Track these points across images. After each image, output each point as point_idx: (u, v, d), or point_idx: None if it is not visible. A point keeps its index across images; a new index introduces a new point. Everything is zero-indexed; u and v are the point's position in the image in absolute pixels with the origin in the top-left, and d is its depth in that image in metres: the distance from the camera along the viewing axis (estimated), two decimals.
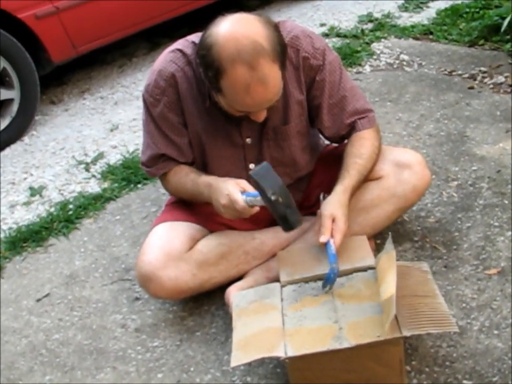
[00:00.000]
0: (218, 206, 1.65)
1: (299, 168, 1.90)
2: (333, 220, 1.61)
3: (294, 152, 1.86)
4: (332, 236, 1.59)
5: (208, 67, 1.55)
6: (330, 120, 1.81)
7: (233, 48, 1.50)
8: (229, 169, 1.84)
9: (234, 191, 1.60)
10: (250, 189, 1.60)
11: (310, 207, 1.96)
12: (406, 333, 1.36)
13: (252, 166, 1.85)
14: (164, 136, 1.80)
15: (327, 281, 1.53)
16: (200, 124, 1.78)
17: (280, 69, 1.56)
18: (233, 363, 1.41)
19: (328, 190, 1.89)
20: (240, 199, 1.58)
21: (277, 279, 1.69)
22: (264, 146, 1.83)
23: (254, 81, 1.51)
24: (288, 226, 1.51)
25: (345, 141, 1.87)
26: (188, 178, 1.80)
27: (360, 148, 1.77)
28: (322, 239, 1.59)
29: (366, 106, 1.84)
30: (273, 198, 1.45)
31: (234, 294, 1.61)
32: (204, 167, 1.86)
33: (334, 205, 1.63)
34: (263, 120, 1.68)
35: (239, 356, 1.41)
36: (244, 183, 1.64)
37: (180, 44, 1.78)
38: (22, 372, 1.80)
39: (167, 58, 1.76)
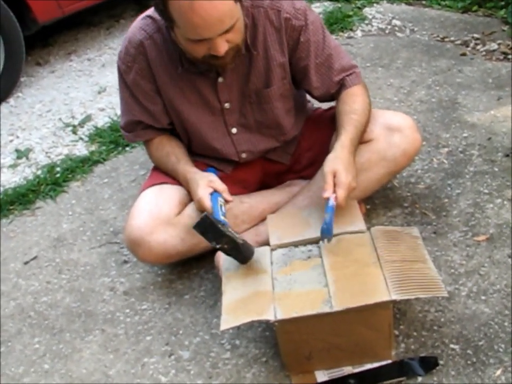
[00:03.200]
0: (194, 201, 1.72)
1: (284, 131, 1.88)
2: (335, 175, 1.59)
3: (278, 115, 1.83)
4: (334, 191, 1.57)
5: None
6: (318, 80, 1.79)
7: None
8: (211, 135, 1.83)
9: (204, 197, 1.65)
10: (221, 187, 1.69)
11: (300, 171, 1.95)
12: (396, 297, 1.36)
13: (234, 130, 1.83)
14: (138, 103, 1.80)
15: (321, 233, 1.53)
16: (175, 92, 1.76)
17: None
18: (223, 326, 1.41)
19: (319, 154, 1.89)
20: (209, 207, 1.64)
21: (266, 243, 1.68)
22: (248, 110, 1.81)
23: None
24: (241, 261, 1.55)
25: (335, 102, 1.85)
26: (169, 160, 1.82)
27: (353, 104, 1.74)
28: (325, 194, 1.56)
29: (351, 63, 1.83)
30: (218, 246, 1.51)
31: (224, 258, 1.60)
32: (186, 133, 1.85)
33: (334, 161, 1.60)
34: (229, 61, 1.62)
35: (229, 320, 1.41)
36: (215, 183, 1.70)
37: (152, 10, 1.75)
38: (10, 333, 1.80)
39: (137, 25, 1.75)
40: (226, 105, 1.79)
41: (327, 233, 1.53)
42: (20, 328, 1.81)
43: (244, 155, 1.87)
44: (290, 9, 1.71)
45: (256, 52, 1.72)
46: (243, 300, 1.44)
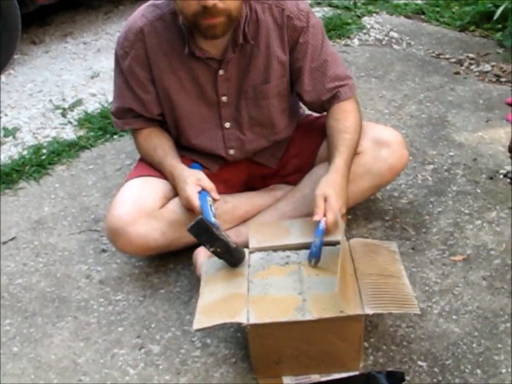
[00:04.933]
0: (179, 198, 1.73)
1: (277, 130, 1.89)
2: (325, 199, 1.61)
3: (273, 112, 1.84)
4: (324, 214, 1.60)
5: None
6: (311, 84, 1.80)
7: None
8: (202, 127, 1.83)
9: (192, 196, 1.66)
10: (209, 185, 1.69)
11: (285, 176, 1.96)
12: (368, 311, 1.38)
13: (227, 125, 1.84)
14: (130, 90, 1.81)
15: (310, 254, 1.55)
16: (172, 80, 1.77)
17: None
18: (195, 326, 1.42)
19: (305, 161, 1.91)
20: (197, 206, 1.65)
21: (246, 245, 1.69)
22: (243, 105, 1.81)
23: None
24: (232, 264, 1.57)
25: (325, 113, 1.86)
26: (156, 153, 1.82)
27: (345, 121, 1.76)
28: (316, 217, 1.60)
29: (346, 73, 1.85)
30: (211, 250, 1.53)
31: (204, 261, 1.61)
32: (176, 124, 1.85)
33: (326, 185, 1.64)
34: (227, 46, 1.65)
35: (202, 320, 1.42)
36: (203, 181, 1.70)
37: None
38: None
39: (139, 12, 1.77)
40: (224, 98, 1.79)
41: (315, 255, 1.55)
42: None
43: (231, 151, 1.87)
44: (294, 9, 1.74)
45: (256, 46, 1.73)
46: (218, 302, 1.45)
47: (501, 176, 2.14)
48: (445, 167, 2.22)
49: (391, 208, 2.04)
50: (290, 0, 1.75)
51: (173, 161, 1.77)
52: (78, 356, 1.63)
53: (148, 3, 1.78)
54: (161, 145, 1.83)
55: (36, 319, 1.75)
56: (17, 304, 1.81)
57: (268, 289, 1.49)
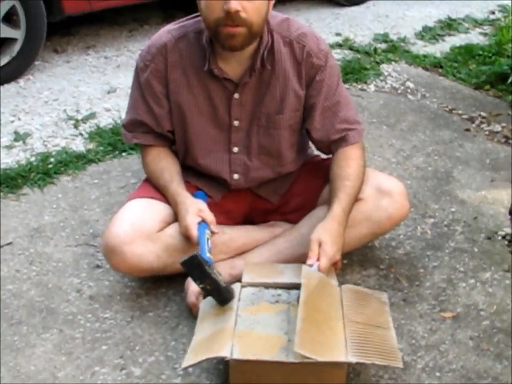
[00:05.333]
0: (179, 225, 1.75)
1: (283, 163, 1.91)
2: (320, 245, 1.63)
3: (282, 144, 1.87)
4: (318, 259, 1.62)
5: None
6: (321, 122, 1.83)
7: None
8: (211, 148, 1.86)
9: (192, 226, 1.69)
10: (210, 218, 1.72)
11: (286, 214, 1.97)
12: (352, 359, 1.38)
13: (235, 149, 1.86)
14: (145, 102, 1.83)
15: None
16: (187, 97, 1.80)
17: None
18: (183, 365, 1.45)
19: (307, 201, 1.92)
20: (195, 236, 1.68)
21: (239, 278, 1.71)
22: (254, 132, 1.84)
23: None
24: (220, 303, 1.59)
25: (331, 155, 1.88)
26: (162, 177, 1.83)
27: (347, 168, 1.78)
28: (309, 261, 1.62)
29: (356, 118, 1.88)
30: (201, 286, 1.56)
31: (202, 301, 1.64)
32: (185, 142, 1.87)
33: (322, 230, 1.67)
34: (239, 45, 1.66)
35: (189, 357, 1.44)
36: (204, 213, 1.72)
37: (185, 19, 1.83)
38: None
39: (165, 29, 1.83)
40: (236, 122, 1.82)
41: None
42: None
43: (236, 176, 1.89)
44: (314, 47, 1.78)
45: (275, 76, 1.76)
46: (207, 338, 1.47)
47: (499, 238, 2.15)
48: (445, 222, 2.23)
49: (387, 257, 2.04)
50: (311, 38, 1.79)
51: (178, 188, 1.79)
52: (58, 370, 1.62)
53: (175, 22, 1.84)
54: (168, 169, 1.85)
55: (21, 328, 1.75)
56: (4, 310, 1.81)
57: (255, 326, 1.49)
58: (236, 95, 1.78)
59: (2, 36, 3.18)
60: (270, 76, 1.77)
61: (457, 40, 4.10)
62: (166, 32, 1.80)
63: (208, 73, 1.75)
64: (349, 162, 1.79)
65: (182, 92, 1.79)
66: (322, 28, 4.20)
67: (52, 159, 2.53)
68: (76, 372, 1.62)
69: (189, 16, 1.83)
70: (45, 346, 1.69)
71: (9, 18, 3.19)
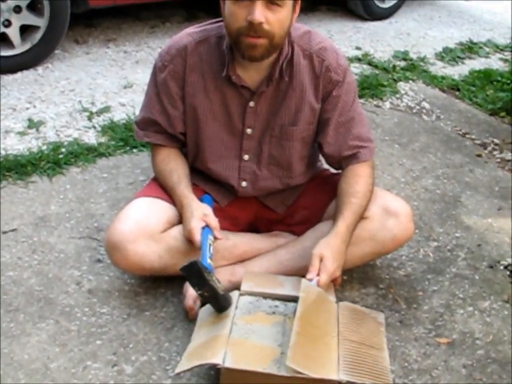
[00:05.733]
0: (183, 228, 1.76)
1: (292, 174, 1.92)
2: (321, 260, 1.64)
3: (293, 155, 1.88)
4: (318, 274, 1.63)
5: None
6: (334, 137, 1.84)
7: None
8: (221, 153, 1.87)
9: (195, 230, 1.69)
10: (214, 223, 1.72)
11: (291, 225, 1.98)
12: (342, 377, 1.38)
13: (246, 157, 1.87)
14: (159, 102, 1.84)
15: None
16: (203, 101, 1.81)
17: None
18: (177, 370, 1.46)
19: (313, 214, 1.93)
20: (197, 241, 1.68)
21: (238, 285, 1.72)
22: (266, 141, 1.85)
23: None
24: (217, 310, 1.61)
25: (340, 171, 1.89)
26: (171, 178, 1.84)
27: (355, 185, 1.79)
28: (309, 276, 1.63)
29: (368, 135, 1.89)
30: (199, 292, 1.58)
31: (201, 309, 1.65)
32: (196, 145, 1.88)
33: (324, 246, 1.68)
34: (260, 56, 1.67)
35: (183, 363, 1.46)
36: (209, 218, 1.73)
37: (207, 23, 1.84)
38: None
39: (187, 31, 1.84)
40: (248, 130, 1.83)
41: None
42: None
43: (244, 183, 1.90)
44: (334, 62, 1.79)
45: (292, 87, 1.77)
46: (202, 344, 1.48)
47: (501, 267, 2.14)
48: (448, 247, 2.22)
49: (387, 277, 2.04)
50: (331, 53, 1.80)
51: (184, 190, 1.80)
52: (51, 360, 1.63)
53: (197, 25, 1.85)
54: (177, 171, 1.86)
55: (18, 315, 1.76)
56: (3, 296, 1.82)
57: (250, 335, 1.50)
58: (252, 103, 1.79)
59: (26, 23, 3.21)
60: (287, 87, 1.78)
61: (477, 64, 4.10)
62: (187, 34, 1.81)
63: (225, 79, 1.76)
64: (357, 179, 1.80)
65: (198, 95, 1.80)
66: (343, 40, 4.21)
67: (63, 149, 2.55)
68: (68, 364, 1.62)
69: (211, 20, 1.84)
70: (40, 336, 1.70)
71: (34, 6, 3.22)
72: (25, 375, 1.58)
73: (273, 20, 1.60)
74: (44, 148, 2.56)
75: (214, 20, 1.83)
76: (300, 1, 1.69)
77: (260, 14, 1.57)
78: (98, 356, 1.66)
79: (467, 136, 3.13)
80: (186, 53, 1.79)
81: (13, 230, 2.09)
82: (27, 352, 1.65)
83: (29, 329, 1.72)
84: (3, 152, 2.50)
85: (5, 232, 2.08)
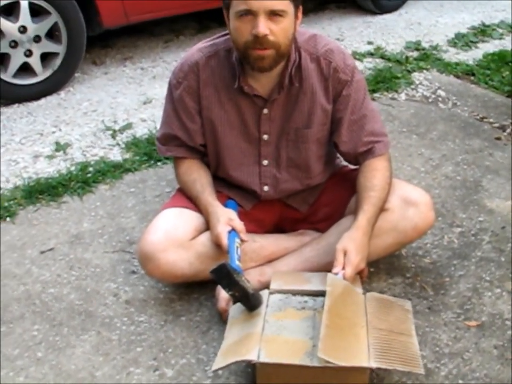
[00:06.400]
0: (210, 233, 1.83)
1: (311, 175, 1.97)
2: (345, 254, 1.69)
3: (310, 157, 1.93)
4: (343, 268, 1.68)
5: None
6: (348, 135, 1.89)
7: None
8: (241, 161, 1.93)
9: (222, 234, 1.77)
10: (240, 227, 1.79)
11: (315, 223, 2.03)
12: (373, 365, 1.44)
13: (265, 162, 1.93)
14: (178, 118, 1.92)
15: None
16: (219, 113, 1.88)
17: None
18: (213, 367, 1.53)
19: (336, 211, 1.98)
20: (225, 244, 1.75)
21: (268, 284, 1.78)
22: (283, 145, 1.91)
23: None
24: (249, 309, 1.66)
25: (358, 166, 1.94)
26: (194, 187, 1.91)
27: (373, 179, 1.84)
28: (334, 270, 1.69)
29: (382, 130, 1.94)
30: (229, 293, 1.65)
31: (232, 306, 1.72)
32: (217, 155, 1.95)
33: (347, 240, 1.73)
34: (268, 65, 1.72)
35: (219, 360, 1.53)
36: (234, 222, 1.79)
37: (215, 37, 1.91)
38: (14, 316, 1.90)
39: (196, 47, 1.91)
40: (265, 136, 1.90)
41: None
42: (23, 313, 1.91)
43: (266, 188, 1.96)
44: (341, 63, 1.84)
45: (303, 91, 1.83)
46: (236, 342, 1.54)
47: None
48: (472, 232, 2.25)
49: (413, 266, 2.08)
50: (338, 54, 1.85)
51: (209, 198, 1.87)
52: (96, 369, 1.72)
53: (206, 40, 1.92)
54: (200, 180, 1.93)
55: (62, 329, 1.86)
56: (46, 312, 1.92)
57: (282, 331, 1.56)
58: (265, 111, 1.86)
59: (45, 50, 3.33)
60: (298, 91, 1.84)
61: (491, 46, 4.09)
62: (198, 50, 1.88)
63: (238, 90, 1.83)
64: (374, 173, 1.85)
65: (213, 108, 1.87)
66: (355, 36, 4.24)
67: (91, 168, 2.65)
68: (112, 372, 1.71)
69: (219, 34, 1.91)
70: (83, 347, 1.79)
71: (52, 34, 3.34)
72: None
73: (277, 30, 1.66)
74: (72, 168, 2.66)
75: (221, 34, 1.90)
76: (301, 8, 1.75)
77: (264, 26, 1.64)
78: (140, 362, 1.74)
79: (485, 120, 3.13)
80: (199, 68, 1.86)
81: (50, 249, 2.19)
82: (73, 362, 1.74)
83: (73, 341, 1.81)
84: (34, 176, 2.61)
85: (42, 252, 2.18)
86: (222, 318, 1.83)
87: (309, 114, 1.86)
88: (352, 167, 2.07)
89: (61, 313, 1.91)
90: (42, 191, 2.49)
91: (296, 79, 1.82)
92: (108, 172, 2.62)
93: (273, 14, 1.65)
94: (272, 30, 1.66)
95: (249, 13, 1.65)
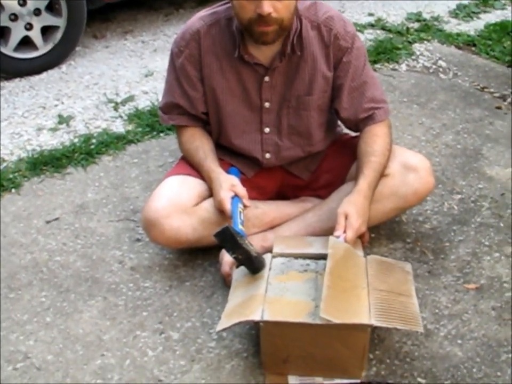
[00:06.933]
0: (213, 200, 1.86)
1: (312, 142, 1.99)
2: (346, 217, 1.72)
3: (311, 124, 1.95)
4: (344, 231, 1.71)
5: None
6: (349, 102, 1.90)
7: None
8: (243, 129, 1.95)
9: (225, 200, 1.79)
10: (242, 192, 1.82)
11: (316, 189, 2.06)
12: (374, 323, 1.47)
13: (267, 130, 1.95)
14: (180, 86, 1.93)
15: None
16: (220, 81, 1.89)
17: None
18: (218, 328, 1.56)
19: (336, 177, 2.00)
20: (228, 209, 1.78)
21: (270, 250, 1.81)
22: (284, 113, 1.93)
23: None
24: (252, 271, 1.69)
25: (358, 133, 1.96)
26: (197, 154, 1.94)
27: (373, 144, 1.86)
28: (336, 233, 1.71)
29: (382, 97, 1.95)
30: (233, 256, 1.66)
31: (235, 270, 1.74)
32: (219, 123, 1.97)
33: (348, 204, 1.75)
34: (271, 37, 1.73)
35: (223, 321, 1.56)
36: (237, 187, 1.82)
37: (216, 6, 1.91)
38: (22, 283, 1.94)
39: (198, 16, 1.91)
40: (266, 104, 1.91)
41: None
42: (31, 280, 1.95)
43: (267, 155, 1.98)
44: (341, 30, 1.85)
45: (303, 59, 1.84)
46: (240, 304, 1.58)
47: None
48: (472, 198, 2.28)
49: (413, 231, 2.11)
50: (338, 21, 1.86)
51: (211, 165, 1.89)
52: (103, 333, 1.76)
53: (207, 9, 1.93)
54: (202, 147, 1.95)
55: (69, 295, 1.90)
56: (54, 279, 1.96)
57: (285, 293, 1.59)
58: (267, 78, 1.87)
59: (46, 24, 3.33)
60: (299, 59, 1.85)
61: (493, 17, 4.07)
62: (199, 18, 1.89)
63: (239, 58, 1.84)
64: (375, 139, 1.87)
65: (215, 76, 1.89)
66: (355, 8, 4.23)
67: (94, 140, 2.67)
68: (119, 335, 1.75)
69: (220, 3, 1.92)
70: (91, 312, 1.83)
71: (52, 7, 3.34)
72: (82, 347, 1.71)
73: (280, 7, 1.67)
74: (76, 140, 2.68)
75: (222, 2, 1.91)
76: None
77: (268, 5, 1.65)
78: (146, 326, 1.78)
79: (485, 90, 3.14)
80: (200, 37, 1.87)
81: (55, 219, 2.22)
82: (81, 327, 1.78)
83: (80, 307, 1.85)
84: (38, 149, 2.64)
85: (48, 222, 2.21)
86: (225, 282, 1.86)
87: (310, 81, 1.88)
88: (353, 134, 2.09)
89: (67, 280, 1.95)
90: (47, 163, 2.52)
91: (298, 47, 1.83)
92: (111, 143, 2.64)
93: None
94: (275, 7, 1.66)
95: None
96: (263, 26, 1.70)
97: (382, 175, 1.84)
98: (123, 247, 2.09)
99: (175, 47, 1.93)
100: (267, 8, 1.65)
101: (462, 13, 4.15)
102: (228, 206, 1.78)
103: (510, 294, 1.85)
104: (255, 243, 1.84)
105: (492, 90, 3.14)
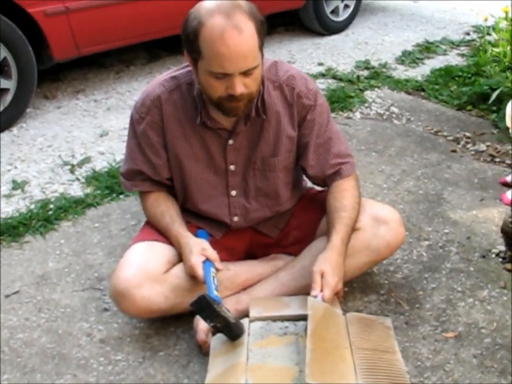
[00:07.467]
0: (184, 266, 1.81)
1: (280, 202, 1.97)
2: (322, 275, 1.69)
3: (278, 184, 1.93)
4: (321, 290, 1.68)
5: (189, 32, 1.64)
6: (315, 159, 1.90)
7: (213, 4, 1.63)
8: (210, 193, 1.92)
9: (197, 265, 1.75)
10: (214, 256, 1.78)
11: (286, 246, 2.03)
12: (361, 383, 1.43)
13: (233, 193, 1.92)
14: (142, 153, 1.89)
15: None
16: (184, 146, 1.86)
17: (256, 32, 1.63)
18: None
19: (306, 233, 1.98)
20: (201, 275, 1.74)
21: (246, 312, 1.76)
22: (250, 175, 1.90)
23: (229, 27, 1.59)
24: (231, 339, 1.65)
25: (326, 188, 1.95)
26: (163, 220, 1.89)
27: (342, 199, 1.85)
28: (313, 293, 1.68)
29: (347, 151, 1.96)
30: (211, 325, 1.63)
31: (212, 338, 1.69)
32: (184, 189, 1.93)
33: (323, 262, 1.72)
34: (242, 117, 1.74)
35: None
36: (208, 251, 1.78)
37: (176, 70, 1.89)
38: None
39: (158, 81, 1.88)
40: (232, 167, 1.89)
41: None
42: None
43: (236, 218, 1.95)
44: (303, 88, 1.85)
45: (267, 120, 1.83)
46: (221, 375, 1.51)
47: (493, 255, 2.22)
48: (439, 244, 2.29)
49: (386, 282, 2.10)
50: (299, 80, 1.86)
51: (179, 229, 1.85)
52: None
53: (167, 73, 1.89)
54: (168, 212, 1.90)
55: (34, 375, 1.78)
56: (17, 359, 1.84)
57: (267, 359, 1.54)
58: (231, 142, 1.85)
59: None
60: (263, 120, 1.83)
61: (437, 62, 4.22)
62: (159, 84, 1.86)
63: (201, 124, 1.82)
64: (344, 194, 1.86)
65: (178, 142, 1.86)
66: (305, 58, 4.31)
67: (51, 206, 2.58)
68: None
69: (179, 66, 1.90)
70: None
71: (1, 69, 3.26)
72: None
73: (250, 82, 1.66)
74: (32, 206, 2.59)
75: (181, 66, 1.88)
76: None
77: (240, 86, 1.64)
78: None
79: (439, 134, 3.22)
80: (161, 103, 1.84)
81: (15, 293, 2.11)
82: None
83: None
84: None
85: (7, 296, 2.10)
86: (201, 350, 1.79)
87: (275, 142, 1.86)
88: (318, 188, 2.08)
89: (32, 359, 1.84)
90: (2, 232, 2.41)
91: (262, 109, 1.81)
92: (70, 208, 2.56)
93: (247, 71, 1.65)
94: (245, 84, 1.65)
95: (225, 75, 1.64)
96: (235, 102, 1.68)
97: (353, 229, 1.83)
98: (90, 318, 1.99)
99: (135, 113, 1.88)
100: (239, 88, 1.64)
101: (407, 59, 4.29)
102: (200, 271, 1.73)
103: (489, 340, 1.85)
104: (229, 306, 1.79)
105: (445, 133, 3.22)
